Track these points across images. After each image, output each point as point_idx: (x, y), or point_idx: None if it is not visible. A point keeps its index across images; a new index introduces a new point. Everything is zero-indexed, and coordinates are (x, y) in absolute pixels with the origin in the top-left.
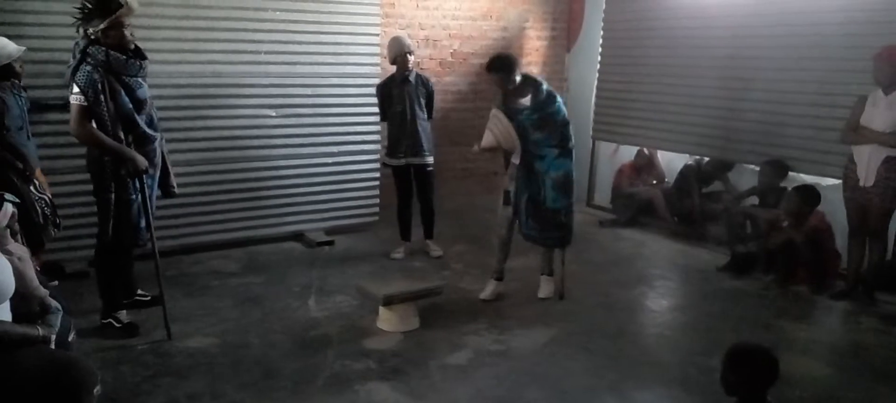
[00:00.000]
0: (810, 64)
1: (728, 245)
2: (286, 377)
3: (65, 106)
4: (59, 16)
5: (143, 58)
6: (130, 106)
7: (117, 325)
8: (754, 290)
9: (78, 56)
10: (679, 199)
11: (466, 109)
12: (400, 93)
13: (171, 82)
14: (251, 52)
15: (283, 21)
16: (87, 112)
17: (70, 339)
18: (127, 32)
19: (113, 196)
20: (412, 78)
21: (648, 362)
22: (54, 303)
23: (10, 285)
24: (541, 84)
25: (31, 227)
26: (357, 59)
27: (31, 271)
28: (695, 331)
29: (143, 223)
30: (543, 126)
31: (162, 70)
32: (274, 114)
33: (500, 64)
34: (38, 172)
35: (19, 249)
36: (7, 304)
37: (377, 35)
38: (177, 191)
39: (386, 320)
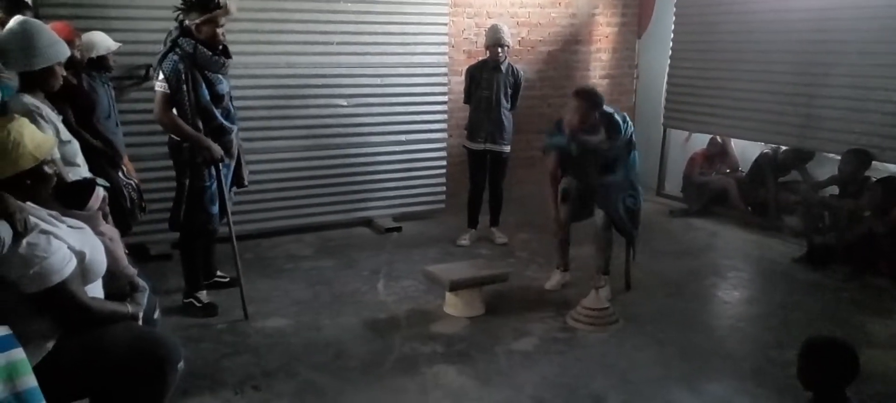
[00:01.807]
0: (894, 47)
1: (805, 236)
2: (356, 358)
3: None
4: (143, 10)
5: (228, 57)
6: (208, 98)
7: (198, 305)
8: (832, 283)
9: (168, 44)
10: (753, 189)
11: (534, 97)
12: (489, 78)
13: (248, 73)
14: (323, 43)
15: (354, 12)
16: (169, 99)
17: (155, 317)
18: (219, 31)
19: (187, 181)
20: (504, 67)
21: (720, 354)
22: (142, 283)
23: (103, 264)
24: (614, 116)
25: (118, 211)
26: (425, 49)
27: (121, 251)
28: (768, 324)
29: (215, 209)
30: (615, 162)
31: (239, 61)
32: (345, 103)
33: (591, 95)
34: (125, 159)
35: (110, 230)
36: (100, 282)
37: (445, 25)
38: (248, 183)
39: (452, 305)
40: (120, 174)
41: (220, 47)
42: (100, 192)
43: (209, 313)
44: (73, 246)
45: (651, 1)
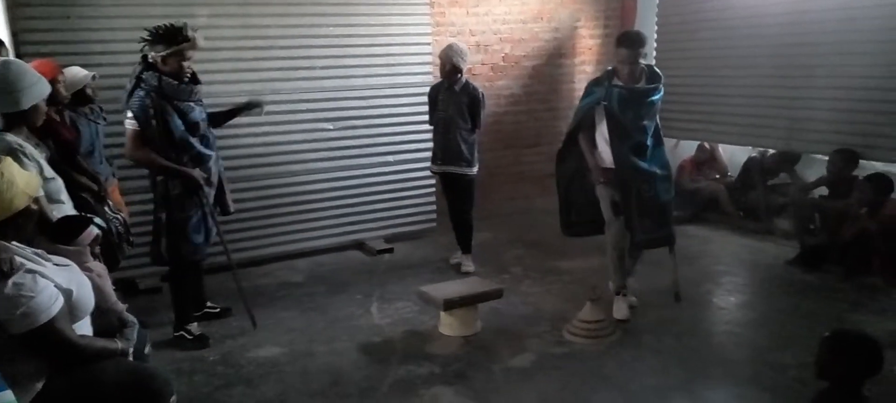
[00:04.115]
0: (876, 46)
1: (797, 238)
2: (352, 383)
3: None
4: (124, 43)
5: (197, 82)
6: (183, 128)
7: (189, 337)
8: (826, 283)
9: (133, 80)
10: (744, 193)
11: (520, 112)
12: (445, 99)
13: (231, 101)
14: (307, 68)
15: (337, 36)
16: (139, 136)
17: (146, 351)
18: (186, 64)
19: (164, 215)
20: (458, 87)
21: (718, 360)
22: (131, 318)
23: (91, 301)
24: (654, 67)
25: (106, 246)
26: (409, 69)
27: (109, 287)
28: (765, 327)
29: (200, 238)
30: (652, 114)
31: (223, 90)
32: (331, 126)
33: (638, 38)
34: (115, 192)
35: (98, 266)
36: (87, 319)
37: (428, 45)
38: (233, 210)
39: (447, 325)
40: (106, 208)
41: (188, 75)
42: (93, 231)
43: (201, 345)
44: (60, 284)
45: (632, 12)
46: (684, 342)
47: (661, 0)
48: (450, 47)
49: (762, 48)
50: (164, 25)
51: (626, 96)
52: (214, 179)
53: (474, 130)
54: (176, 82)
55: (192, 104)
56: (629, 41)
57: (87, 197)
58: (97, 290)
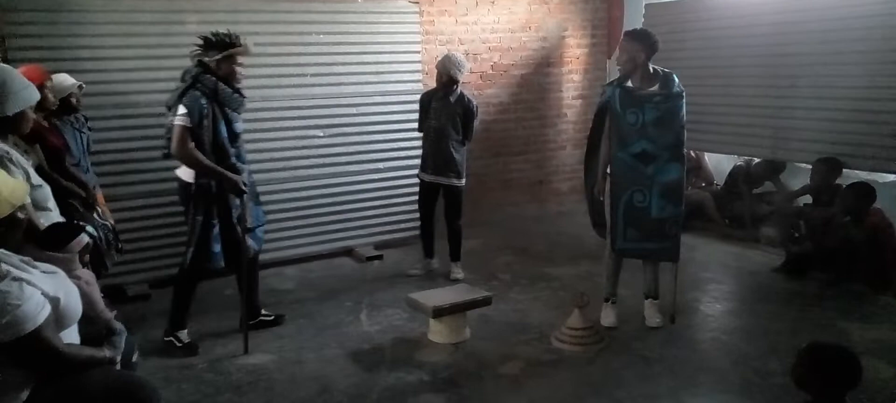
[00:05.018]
0: (859, 57)
1: (782, 245)
2: (341, 392)
3: None
4: (113, 50)
5: (244, 97)
6: (225, 135)
7: (178, 344)
8: (812, 291)
9: (188, 81)
10: (729, 202)
11: (508, 120)
12: (438, 108)
13: None
14: (298, 76)
15: (327, 43)
16: (189, 132)
17: (134, 360)
18: (238, 69)
19: (200, 219)
20: (452, 97)
21: (705, 368)
22: (119, 325)
23: (78, 309)
24: (673, 75)
25: (94, 253)
26: (399, 77)
27: (97, 295)
28: (751, 335)
29: (218, 248)
30: (666, 123)
31: None
32: (321, 134)
33: (638, 32)
34: (100, 198)
35: (86, 273)
36: (75, 327)
37: (418, 53)
38: (250, 224)
39: (437, 332)
40: (94, 215)
41: (238, 85)
42: (83, 238)
43: (190, 352)
44: (46, 292)
45: (619, 22)
46: (671, 349)
47: (648, 10)
48: (447, 58)
49: (748, 58)
50: (214, 32)
51: (627, 98)
52: (249, 193)
53: (465, 142)
54: (230, 90)
55: (237, 114)
56: (628, 34)
57: (76, 203)
58: (85, 298)
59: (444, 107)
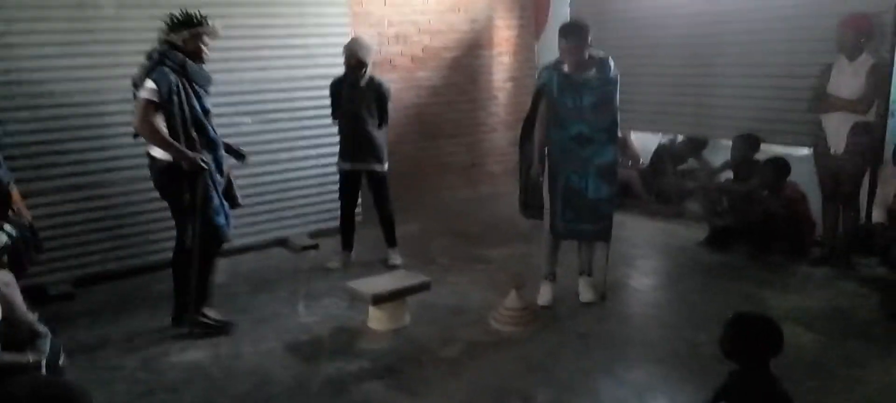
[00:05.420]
0: (776, 35)
1: (706, 220)
2: (281, 384)
3: None
4: (20, 36)
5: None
6: (201, 110)
7: (212, 323)
8: (734, 263)
9: (155, 58)
10: (655, 179)
11: (440, 104)
12: (349, 94)
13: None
14: (223, 61)
15: (253, 26)
16: (154, 107)
17: (61, 363)
18: (204, 48)
19: (188, 197)
20: (363, 82)
21: (638, 341)
22: (43, 328)
23: None
24: (608, 60)
25: (12, 253)
26: (328, 60)
27: (18, 297)
28: (679, 307)
29: (221, 219)
30: (602, 107)
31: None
32: (249, 120)
33: (575, 29)
34: (16, 196)
35: (5, 275)
36: None
37: (347, 35)
38: (241, 203)
39: (376, 319)
40: (10, 213)
41: (207, 60)
42: (1, 237)
43: (223, 331)
44: None
45: (546, 4)
46: (605, 325)
47: None
48: (354, 41)
49: (670, 39)
50: (182, 11)
51: (564, 83)
52: (226, 169)
53: (381, 125)
54: (197, 66)
55: (206, 93)
56: (564, 32)
57: None
58: (5, 301)
59: (355, 93)
